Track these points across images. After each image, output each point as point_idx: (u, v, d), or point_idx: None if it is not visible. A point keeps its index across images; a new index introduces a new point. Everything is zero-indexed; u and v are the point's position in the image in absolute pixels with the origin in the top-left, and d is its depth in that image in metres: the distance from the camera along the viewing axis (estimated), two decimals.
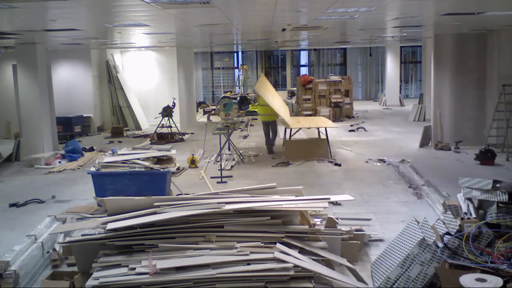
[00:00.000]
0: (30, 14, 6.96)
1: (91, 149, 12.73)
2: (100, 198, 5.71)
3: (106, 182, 7.20)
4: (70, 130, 15.19)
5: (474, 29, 11.70)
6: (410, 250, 4.66)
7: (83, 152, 12.13)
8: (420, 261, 4.53)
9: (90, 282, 4.18)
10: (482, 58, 11.96)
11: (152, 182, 7.19)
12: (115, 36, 11.65)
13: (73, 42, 12.67)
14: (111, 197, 5.41)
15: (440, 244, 4.46)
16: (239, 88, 25.57)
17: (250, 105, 21.69)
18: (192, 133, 15.68)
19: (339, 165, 10.25)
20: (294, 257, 4.40)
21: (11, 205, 8.02)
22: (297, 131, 12.27)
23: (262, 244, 4.52)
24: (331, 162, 10.50)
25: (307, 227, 4.91)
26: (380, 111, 21.14)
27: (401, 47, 23.74)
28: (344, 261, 4.81)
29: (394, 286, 4.51)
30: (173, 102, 14.89)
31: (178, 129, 15.03)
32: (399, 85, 23.46)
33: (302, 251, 4.59)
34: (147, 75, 18.28)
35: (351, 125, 16.27)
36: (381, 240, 5.78)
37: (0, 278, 4.64)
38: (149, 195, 5.18)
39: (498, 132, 11.33)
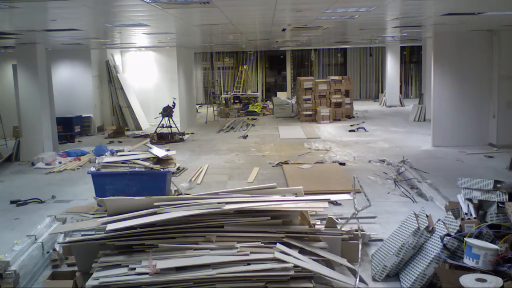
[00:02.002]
0: (30, 14, 6.95)
1: None
2: (100, 198, 5.71)
3: (106, 182, 7.20)
4: (70, 130, 15.18)
5: (474, 29, 11.71)
6: (405, 239, 4.83)
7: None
8: (413, 245, 4.77)
9: (90, 282, 4.19)
10: (482, 58, 11.96)
11: (152, 182, 7.19)
12: (115, 36, 11.65)
13: (73, 42, 12.67)
14: (111, 197, 5.41)
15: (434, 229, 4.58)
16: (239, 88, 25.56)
17: (250, 105, 21.75)
18: (192, 133, 15.68)
19: (343, 164, 10.28)
20: (294, 257, 4.40)
21: (12, 202, 8.09)
22: None
23: (262, 244, 4.53)
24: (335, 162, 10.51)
25: (307, 227, 4.91)
26: (380, 111, 21.15)
27: (401, 47, 23.73)
28: (344, 261, 4.82)
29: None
30: (173, 102, 14.89)
31: (178, 129, 15.03)
32: (399, 85, 23.46)
33: (302, 251, 4.59)
34: (147, 75, 18.29)
35: (351, 125, 16.28)
36: (381, 240, 5.77)
37: (0, 278, 4.65)
38: (149, 195, 5.18)
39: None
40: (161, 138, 14.25)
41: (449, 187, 7.79)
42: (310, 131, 15.45)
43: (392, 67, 22.87)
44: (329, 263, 4.75)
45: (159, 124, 14.76)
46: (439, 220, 4.99)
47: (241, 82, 25.23)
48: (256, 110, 21.12)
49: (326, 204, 5.06)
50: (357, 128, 15.58)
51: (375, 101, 25.35)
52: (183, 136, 14.71)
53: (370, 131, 15.12)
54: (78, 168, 10.76)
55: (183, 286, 4.18)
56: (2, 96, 15.69)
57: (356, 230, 5.30)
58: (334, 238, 5.08)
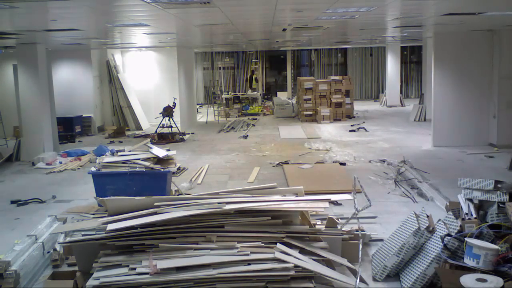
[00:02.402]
0: (30, 14, 6.95)
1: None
2: (100, 198, 5.71)
3: (106, 182, 7.19)
4: (71, 130, 15.18)
5: (475, 29, 11.70)
6: (406, 239, 4.83)
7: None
8: (413, 245, 4.78)
9: (91, 282, 4.19)
10: (482, 58, 11.95)
11: (153, 182, 7.19)
12: (115, 36, 11.65)
13: (73, 42, 12.67)
14: (111, 197, 5.41)
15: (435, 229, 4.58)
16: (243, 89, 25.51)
17: (250, 107, 21.74)
18: (193, 133, 15.69)
19: (344, 164, 10.27)
20: (295, 257, 4.40)
21: (13, 202, 8.09)
22: None
23: (263, 244, 4.53)
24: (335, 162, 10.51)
25: (307, 227, 4.91)
26: (381, 111, 21.15)
27: (402, 47, 23.73)
28: (344, 261, 4.81)
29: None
30: (174, 102, 14.89)
31: (178, 129, 15.04)
32: (399, 85, 23.46)
33: (302, 251, 4.59)
34: (147, 75, 18.30)
35: (351, 125, 16.27)
36: (381, 240, 5.77)
37: (1, 278, 4.65)
38: (149, 195, 5.18)
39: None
40: (162, 138, 14.25)
41: (450, 187, 7.78)
42: (310, 131, 15.45)
43: (392, 67, 22.87)
44: (329, 263, 4.75)
45: (160, 124, 14.76)
46: (439, 220, 4.99)
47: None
48: (255, 111, 21.11)
49: (326, 204, 5.06)
50: (358, 128, 15.57)
51: (376, 101, 25.34)
52: (184, 136, 14.71)
53: (370, 131, 15.12)
54: (78, 168, 10.76)
55: (183, 286, 4.18)
56: (2, 96, 15.68)
57: (357, 230, 5.30)
58: (335, 238, 5.08)
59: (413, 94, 26.36)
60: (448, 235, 4.54)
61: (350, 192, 5.62)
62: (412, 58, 26.50)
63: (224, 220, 4.68)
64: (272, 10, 7.44)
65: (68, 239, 5.36)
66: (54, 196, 8.41)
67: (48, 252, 5.43)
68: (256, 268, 4.26)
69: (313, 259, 4.54)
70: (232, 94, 23.38)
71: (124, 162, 7.37)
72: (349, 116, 18.46)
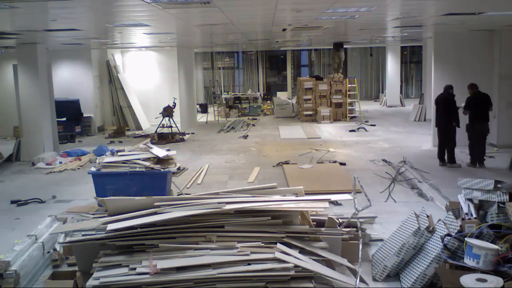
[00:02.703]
0: (30, 14, 6.96)
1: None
2: (100, 198, 5.70)
3: (106, 182, 7.19)
4: (71, 130, 15.18)
5: (475, 29, 11.70)
6: (406, 239, 4.84)
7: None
8: (413, 245, 4.79)
9: (91, 282, 4.18)
10: (482, 58, 11.95)
11: (153, 182, 7.18)
12: (115, 36, 11.65)
13: (73, 42, 12.67)
14: (111, 197, 5.41)
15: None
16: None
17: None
18: (193, 133, 15.69)
19: (344, 164, 10.27)
20: (295, 257, 4.40)
21: (13, 202, 8.09)
22: None
23: (263, 244, 4.52)
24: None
25: (307, 227, 4.91)
26: (381, 111, 21.15)
27: (402, 47, 23.74)
28: (344, 261, 4.81)
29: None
30: (174, 102, 14.90)
31: (178, 129, 15.04)
32: (399, 85, 23.47)
33: (302, 251, 4.59)
34: (147, 75, 18.31)
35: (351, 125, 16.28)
36: (381, 240, 5.77)
37: (1, 278, 4.65)
38: (149, 195, 5.18)
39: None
40: (162, 138, 14.25)
41: (450, 187, 7.79)
42: (310, 131, 15.45)
43: (392, 67, 22.88)
44: (329, 263, 4.75)
45: (160, 124, 14.77)
46: (439, 220, 4.99)
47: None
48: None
49: (326, 204, 5.06)
50: (358, 128, 15.58)
51: (376, 101, 25.35)
52: (184, 136, 14.72)
53: (370, 131, 15.12)
54: (78, 168, 10.76)
55: (183, 286, 4.18)
56: (2, 96, 15.69)
57: (357, 230, 5.30)
58: (335, 238, 5.07)
59: (413, 94, 26.37)
60: (448, 235, 4.54)
61: (350, 192, 5.62)
62: (412, 58, 26.51)
63: (224, 220, 4.68)
64: (272, 10, 7.44)
65: (68, 239, 5.35)
66: (54, 196, 8.41)
67: (48, 252, 5.43)
68: (256, 268, 4.26)
69: (313, 259, 4.54)
70: (232, 94, 23.39)
71: (124, 162, 7.36)
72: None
